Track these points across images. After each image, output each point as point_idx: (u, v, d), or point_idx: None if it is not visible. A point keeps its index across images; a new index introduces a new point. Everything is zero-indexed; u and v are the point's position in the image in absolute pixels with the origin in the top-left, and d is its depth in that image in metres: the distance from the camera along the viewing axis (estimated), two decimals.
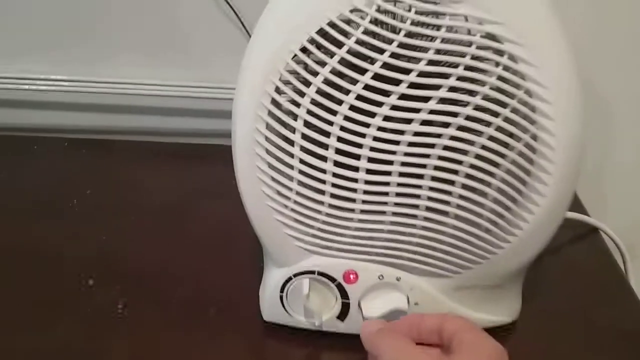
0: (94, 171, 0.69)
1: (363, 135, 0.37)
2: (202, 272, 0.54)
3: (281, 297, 0.45)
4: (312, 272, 0.43)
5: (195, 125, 0.78)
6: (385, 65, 0.36)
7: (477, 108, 0.37)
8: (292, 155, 0.39)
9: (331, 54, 0.36)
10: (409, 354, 0.35)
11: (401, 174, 0.39)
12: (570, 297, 0.53)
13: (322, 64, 0.36)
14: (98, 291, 0.51)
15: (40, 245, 0.56)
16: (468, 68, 0.36)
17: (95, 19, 0.70)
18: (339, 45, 0.36)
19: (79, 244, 0.57)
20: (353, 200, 0.40)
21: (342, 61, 0.36)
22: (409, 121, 0.37)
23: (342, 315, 0.45)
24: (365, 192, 0.39)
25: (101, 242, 0.57)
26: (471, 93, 0.37)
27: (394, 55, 0.36)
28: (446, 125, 0.37)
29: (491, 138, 0.38)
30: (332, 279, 0.43)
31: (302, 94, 0.37)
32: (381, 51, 0.36)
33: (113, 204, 0.63)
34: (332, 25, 0.36)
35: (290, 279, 0.44)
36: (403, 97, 0.36)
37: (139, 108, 0.76)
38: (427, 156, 0.38)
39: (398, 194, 0.39)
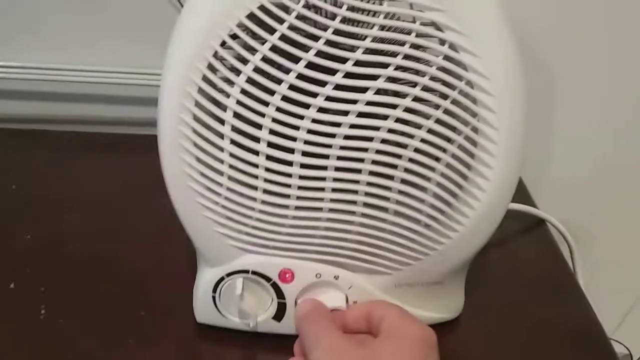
0: (22, 164, 0.65)
1: (297, 128, 0.35)
2: (134, 272, 0.51)
3: (214, 298, 0.42)
4: (246, 272, 0.41)
5: (133, 114, 0.73)
6: (320, 54, 0.34)
7: (417, 99, 0.35)
8: (221, 149, 0.36)
9: (262, 41, 0.34)
10: (327, 340, 0.35)
11: (337, 169, 0.37)
12: (515, 291, 0.53)
13: (253, 51, 0.34)
14: (19, 294, 0.48)
15: None
16: (407, 57, 0.34)
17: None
18: (271, 31, 0.33)
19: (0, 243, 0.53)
20: (287, 196, 0.37)
21: (274, 49, 0.34)
22: (345, 113, 0.35)
23: (279, 315, 0.43)
24: (300, 188, 0.37)
25: (25, 242, 0.53)
26: (411, 84, 0.35)
27: (329, 42, 0.33)
28: (384, 117, 0.35)
29: (431, 131, 0.36)
30: (267, 279, 0.41)
31: (231, 84, 0.35)
32: (316, 38, 0.33)
33: (41, 200, 0.59)
34: (263, 9, 0.33)
35: (222, 278, 0.41)
36: (339, 87, 0.34)
37: (73, 96, 0.72)
38: (364, 150, 0.36)
39: (334, 190, 0.37)
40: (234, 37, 0.34)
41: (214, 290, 0.42)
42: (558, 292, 0.53)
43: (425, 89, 0.35)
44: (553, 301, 0.52)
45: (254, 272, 0.41)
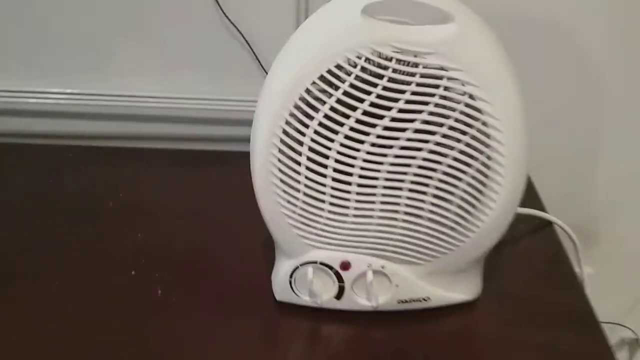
0: (125, 177, 0.77)
1: (355, 158, 0.47)
2: (224, 264, 0.63)
3: (290, 282, 0.55)
4: (315, 262, 0.53)
5: (219, 132, 0.86)
6: (372, 104, 0.46)
7: (444, 136, 0.47)
8: (299, 173, 0.49)
9: (329, 95, 0.46)
10: None
11: (385, 187, 0.49)
12: (523, 281, 0.62)
13: (322, 102, 0.46)
14: (140, 279, 0.60)
15: (83, 244, 0.65)
16: (437, 105, 0.46)
17: (114, 33, 0.78)
18: (336, 88, 0.45)
19: (118, 241, 0.66)
20: (347, 207, 0.50)
21: (338, 101, 0.46)
22: (391, 146, 0.47)
23: (339, 295, 0.55)
24: (357, 201, 0.50)
25: (137, 239, 0.66)
26: (439, 124, 0.47)
27: (378, 95, 0.45)
28: (420, 149, 0.47)
29: (455, 158, 0.48)
30: (331, 268, 0.54)
31: (306, 126, 0.47)
32: (368, 93, 0.45)
33: (143, 207, 0.71)
34: (330, 72, 0.45)
35: (297, 267, 0.54)
36: (386, 128, 0.46)
37: (165, 118, 0.85)
38: (405, 173, 0.48)
39: (383, 202, 0.50)
40: (307, 92, 0.46)
41: (291, 276, 0.55)
42: (559, 283, 0.63)
43: (451, 128, 0.47)
44: (552, 288, 0.61)
45: (321, 263, 0.53)
